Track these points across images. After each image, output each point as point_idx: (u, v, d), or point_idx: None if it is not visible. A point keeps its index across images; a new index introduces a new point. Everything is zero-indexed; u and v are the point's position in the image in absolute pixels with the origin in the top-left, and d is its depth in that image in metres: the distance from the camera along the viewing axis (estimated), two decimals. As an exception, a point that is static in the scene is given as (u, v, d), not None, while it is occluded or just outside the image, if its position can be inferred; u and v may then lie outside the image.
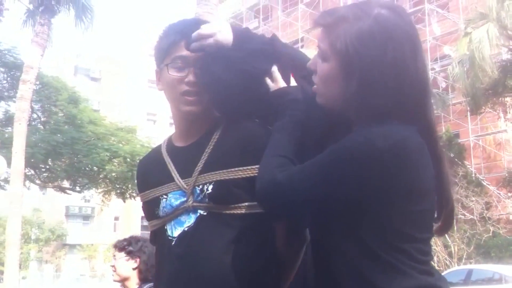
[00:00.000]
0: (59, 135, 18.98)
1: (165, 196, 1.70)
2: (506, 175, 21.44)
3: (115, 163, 20.42)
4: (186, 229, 1.63)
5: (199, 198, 1.63)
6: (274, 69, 1.67)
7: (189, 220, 1.63)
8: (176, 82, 1.66)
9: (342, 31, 1.43)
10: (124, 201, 23.10)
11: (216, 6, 6.44)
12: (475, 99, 20.18)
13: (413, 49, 1.44)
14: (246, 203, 1.59)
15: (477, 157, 23.61)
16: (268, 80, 1.66)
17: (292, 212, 1.49)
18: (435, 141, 1.47)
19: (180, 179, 1.67)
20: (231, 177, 1.60)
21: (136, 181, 1.93)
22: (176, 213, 1.67)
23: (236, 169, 1.60)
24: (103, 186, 21.63)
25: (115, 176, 20.61)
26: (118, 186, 21.15)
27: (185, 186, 1.65)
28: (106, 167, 19.82)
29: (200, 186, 1.63)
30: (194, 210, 1.63)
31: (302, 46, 29.66)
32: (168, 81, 1.67)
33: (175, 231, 1.66)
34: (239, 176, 1.59)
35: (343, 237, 1.40)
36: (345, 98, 1.43)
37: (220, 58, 1.64)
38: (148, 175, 1.81)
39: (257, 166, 1.55)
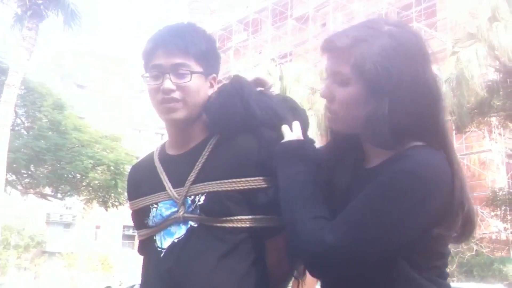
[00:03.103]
0: (42, 141, 18.79)
1: (155, 206, 1.65)
2: (490, 194, 21.56)
3: (98, 171, 20.26)
4: (175, 240, 1.58)
5: (191, 209, 1.58)
6: (296, 123, 1.61)
7: (179, 232, 1.58)
8: (154, 91, 1.63)
9: (366, 51, 1.39)
10: (106, 210, 22.88)
11: (208, 16, 6.38)
12: (461, 118, 20.31)
13: (424, 62, 1.45)
14: (238, 217, 1.54)
15: (461, 175, 23.72)
16: (285, 128, 1.59)
17: (355, 270, 1.37)
18: (454, 158, 1.45)
19: (171, 189, 1.62)
20: (224, 188, 1.55)
21: (126, 188, 1.87)
22: (166, 224, 1.62)
23: (230, 180, 1.55)
24: (85, 193, 21.45)
25: (98, 184, 20.43)
26: (100, 194, 20.99)
27: (176, 196, 1.60)
28: (89, 174, 19.65)
29: (192, 197, 1.58)
30: (184, 221, 1.58)
31: (291, 60, 29.77)
32: (149, 91, 1.65)
33: (164, 242, 1.61)
34: (232, 188, 1.55)
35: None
36: (372, 120, 1.39)
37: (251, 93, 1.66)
38: (139, 182, 1.76)
39: (251, 178, 1.53)
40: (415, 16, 26.24)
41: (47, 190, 21.95)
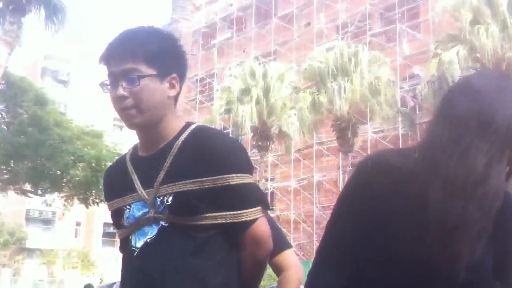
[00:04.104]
0: (22, 136, 18.62)
1: (128, 207, 1.69)
2: (469, 195, 21.75)
3: (79, 168, 20.10)
4: (148, 240, 1.62)
5: (160, 209, 1.61)
6: None
7: (151, 232, 1.62)
8: (113, 100, 1.65)
9: None
10: (87, 207, 22.70)
11: (192, 13, 6.40)
12: (442, 119, 20.51)
13: None
14: (207, 214, 1.57)
15: (441, 176, 23.93)
16: None
17: None
18: None
19: (142, 190, 1.65)
20: (190, 188, 1.57)
21: (103, 190, 1.91)
22: (139, 224, 1.65)
23: (196, 180, 1.57)
24: (65, 190, 21.27)
25: (79, 181, 20.29)
26: (81, 191, 20.82)
27: (146, 197, 1.64)
28: (70, 171, 19.50)
29: (161, 197, 1.61)
30: (156, 221, 1.61)
31: (274, 59, 29.80)
32: (110, 99, 1.68)
33: (138, 242, 1.64)
34: (198, 188, 1.57)
35: None
36: None
37: None
38: (113, 184, 1.80)
39: (217, 177, 1.56)
40: (398, 17, 26.41)
41: (27, 187, 21.74)
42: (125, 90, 1.61)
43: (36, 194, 22.05)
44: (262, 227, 1.63)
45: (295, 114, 23.15)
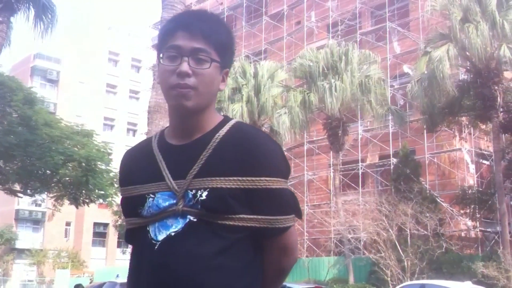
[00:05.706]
0: (12, 136, 18.48)
1: (152, 196, 1.59)
2: (460, 192, 21.88)
3: (69, 167, 19.99)
4: (172, 234, 1.53)
5: (191, 203, 1.52)
6: None
7: (176, 225, 1.53)
8: (168, 73, 1.56)
9: None
10: (77, 207, 22.58)
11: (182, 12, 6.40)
12: (432, 117, 20.60)
13: None
14: (240, 215, 1.51)
15: (432, 174, 24.06)
16: None
17: None
18: None
19: (171, 180, 1.56)
20: (228, 186, 1.50)
21: (118, 173, 1.78)
22: (162, 215, 1.56)
23: (235, 178, 1.51)
24: (55, 190, 21.15)
25: (69, 180, 20.18)
26: (71, 191, 20.70)
27: (176, 188, 1.54)
28: (60, 171, 19.39)
29: (193, 191, 1.52)
30: (183, 215, 1.53)
31: (265, 58, 29.78)
32: (162, 72, 1.58)
33: (159, 234, 1.55)
34: (237, 186, 1.51)
35: None
36: None
37: None
38: (135, 169, 1.68)
39: (257, 178, 1.50)
40: (388, 16, 26.48)
41: (17, 187, 21.60)
42: (190, 68, 1.55)
43: (25, 194, 21.92)
44: (293, 235, 1.60)
45: (285, 113, 23.14)
